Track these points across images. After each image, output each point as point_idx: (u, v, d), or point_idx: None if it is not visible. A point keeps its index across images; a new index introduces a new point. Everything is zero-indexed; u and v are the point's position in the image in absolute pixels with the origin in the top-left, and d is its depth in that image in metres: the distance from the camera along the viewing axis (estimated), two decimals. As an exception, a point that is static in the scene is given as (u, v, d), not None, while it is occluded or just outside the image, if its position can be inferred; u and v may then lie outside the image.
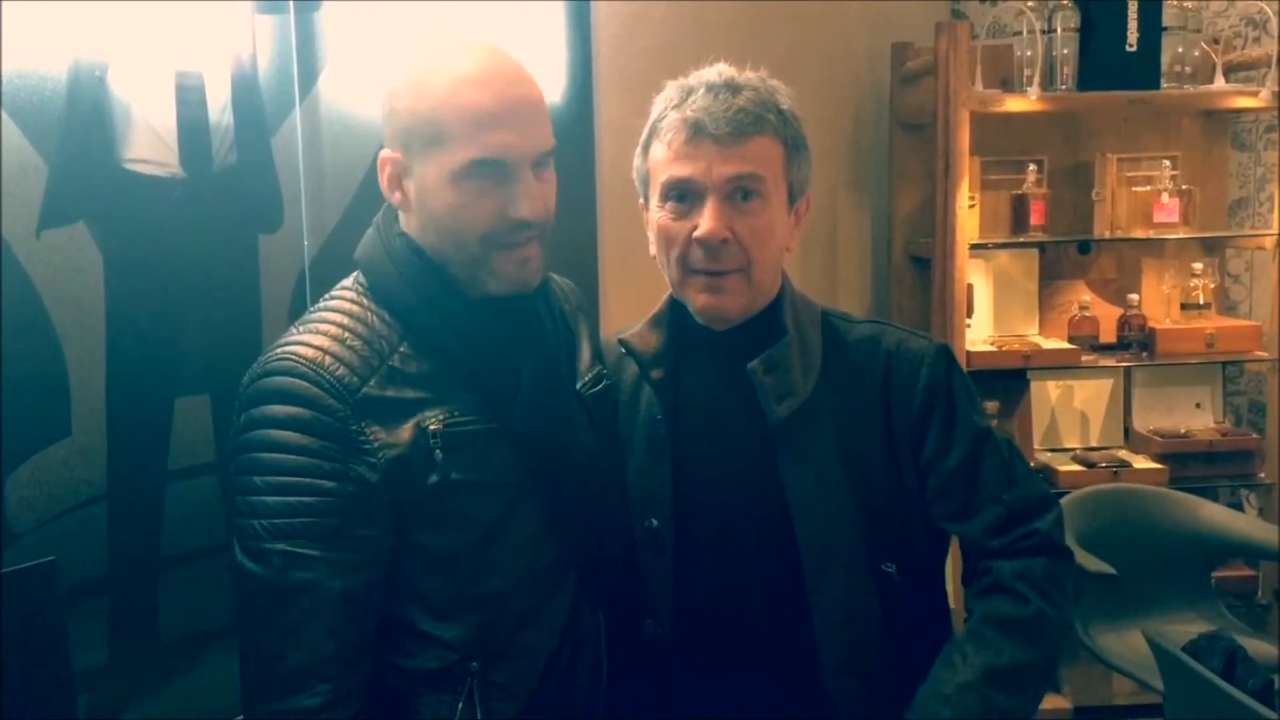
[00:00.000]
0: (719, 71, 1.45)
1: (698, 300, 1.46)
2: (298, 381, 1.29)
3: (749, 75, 1.46)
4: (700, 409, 1.50)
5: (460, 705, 1.35)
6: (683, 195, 1.43)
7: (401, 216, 1.42)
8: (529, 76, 1.39)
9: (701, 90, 1.42)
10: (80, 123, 1.66)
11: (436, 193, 1.35)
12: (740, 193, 1.42)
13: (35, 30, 1.59)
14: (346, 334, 1.34)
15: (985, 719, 1.38)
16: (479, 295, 1.39)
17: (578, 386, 1.49)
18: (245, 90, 1.88)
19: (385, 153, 1.38)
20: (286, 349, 1.33)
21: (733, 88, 1.42)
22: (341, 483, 1.28)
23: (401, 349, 1.36)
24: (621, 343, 1.54)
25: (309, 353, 1.31)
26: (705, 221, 1.41)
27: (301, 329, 1.37)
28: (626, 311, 1.79)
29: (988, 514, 1.46)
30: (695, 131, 1.40)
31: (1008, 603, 1.43)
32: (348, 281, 1.43)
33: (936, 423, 1.47)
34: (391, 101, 1.37)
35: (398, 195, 1.39)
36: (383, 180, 1.40)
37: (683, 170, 1.41)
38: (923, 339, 1.53)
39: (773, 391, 1.44)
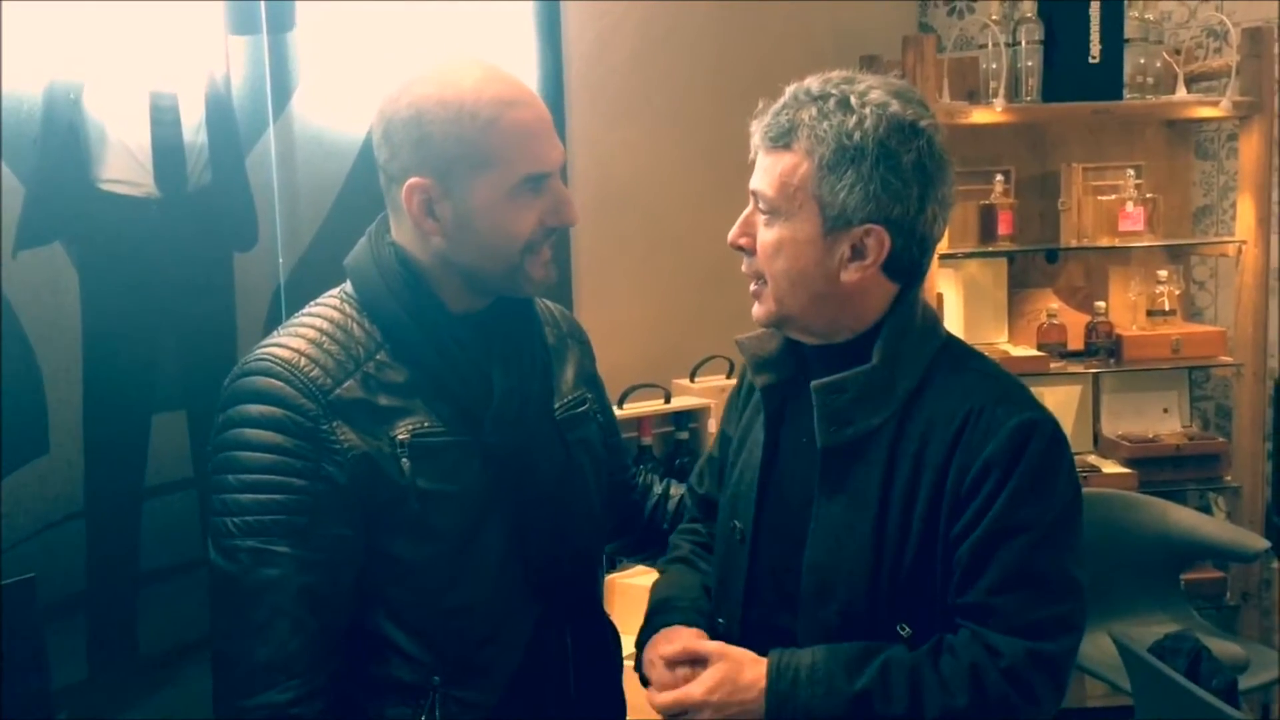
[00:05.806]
0: (824, 77, 1.36)
1: None
2: (272, 381, 1.32)
3: (845, 84, 1.34)
4: (800, 423, 1.45)
5: (423, 718, 1.37)
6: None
7: (394, 228, 1.43)
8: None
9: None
10: (56, 144, 1.68)
11: (487, 211, 1.36)
12: (757, 204, 1.39)
13: (10, 52, 1.61)
14: (324, 338, 1.37)
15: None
16: (461, 310, 1.42)
17: (554, 407, 1.52)
18: (219, 110, 1.90)
19: (414, 180, 1.35)
20: (264, 350, 1.36)
21: (798, 97, 1.35)
22: (312, 481, 1.31)
23: (378, 356, 1.38)
24: (738, 342, 1.52)
25: (285, 354, 1.34)
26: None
27: (282, 332, 1.40)
28: (601, 325, 1.81)
29: (982, 607, 1.33)
30: (754, 140, 1.40)
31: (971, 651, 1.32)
32: (335, 290, 1.46)
33: (980, 499, 1.31)
34: (420, 129, 1.34)
35: (429, 222, 1.37)
36: (412, 208, 1.36)
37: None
38: (1015, 406, 1.34)
39: (830, 416, 1.36)
